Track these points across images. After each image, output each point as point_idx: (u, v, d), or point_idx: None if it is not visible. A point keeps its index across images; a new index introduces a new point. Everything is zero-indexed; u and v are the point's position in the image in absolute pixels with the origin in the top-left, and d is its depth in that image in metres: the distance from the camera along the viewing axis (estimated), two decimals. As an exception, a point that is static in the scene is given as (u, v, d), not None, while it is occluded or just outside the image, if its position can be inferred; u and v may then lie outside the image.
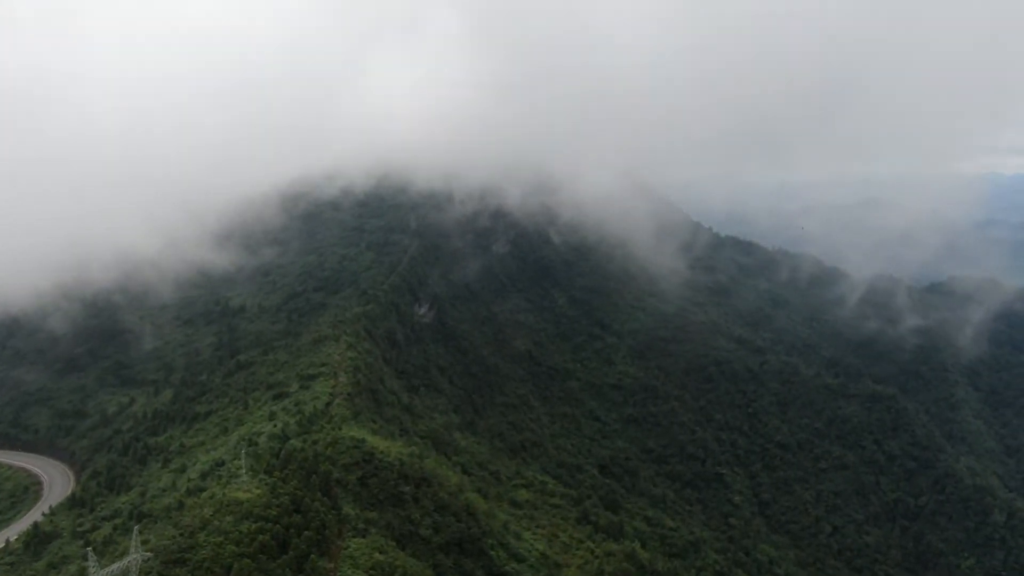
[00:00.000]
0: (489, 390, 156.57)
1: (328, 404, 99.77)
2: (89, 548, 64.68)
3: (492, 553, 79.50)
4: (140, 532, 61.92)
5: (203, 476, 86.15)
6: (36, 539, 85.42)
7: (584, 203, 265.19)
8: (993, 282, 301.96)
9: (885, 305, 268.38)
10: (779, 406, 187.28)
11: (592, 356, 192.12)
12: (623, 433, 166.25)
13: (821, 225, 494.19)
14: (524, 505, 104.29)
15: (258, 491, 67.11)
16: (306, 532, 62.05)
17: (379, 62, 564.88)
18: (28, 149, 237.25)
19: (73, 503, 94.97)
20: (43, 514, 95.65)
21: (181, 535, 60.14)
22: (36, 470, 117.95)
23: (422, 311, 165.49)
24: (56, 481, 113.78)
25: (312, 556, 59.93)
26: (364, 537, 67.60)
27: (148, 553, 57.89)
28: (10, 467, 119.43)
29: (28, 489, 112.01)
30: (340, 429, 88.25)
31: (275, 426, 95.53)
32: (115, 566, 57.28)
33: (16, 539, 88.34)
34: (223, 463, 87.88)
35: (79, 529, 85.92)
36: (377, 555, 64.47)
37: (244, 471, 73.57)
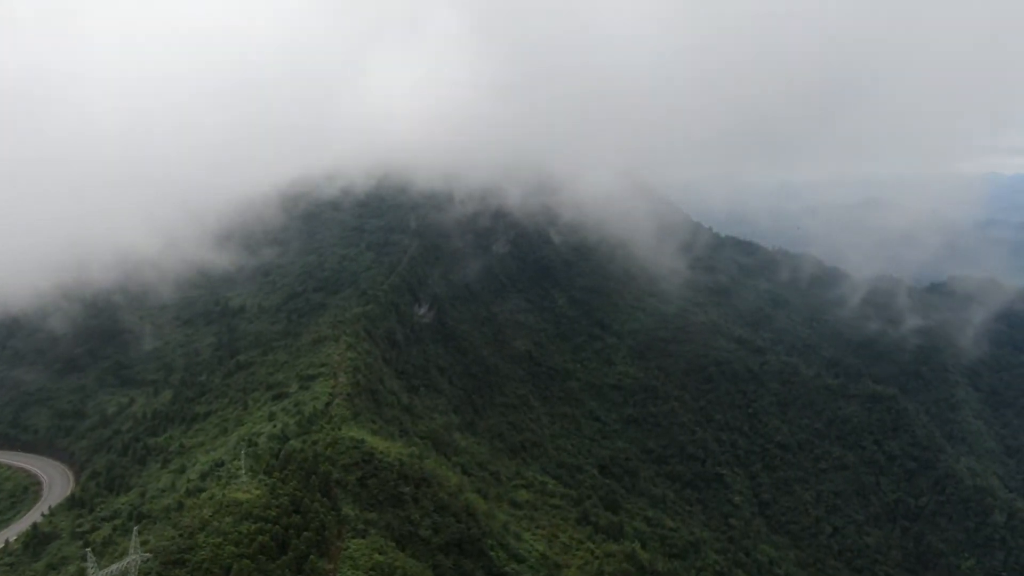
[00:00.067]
0: (489, 390, 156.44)
1: (328, 404, 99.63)
2: (88, 549, 64.56)
3: (492, 554, 79.37)
4: (139, 533, 61.80)
5: (202, 477, 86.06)
6: (35, 540, 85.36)
7: (584, 203, 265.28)
8: (993, 282, 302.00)
9: (885, 305, 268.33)
10: (779, 406, 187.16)
11: (592, 356, 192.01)
12: (623, 433, 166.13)
13: (822, 225, 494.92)
14: (524, 505, 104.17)
15: (257, 492, 67.01)
16: (305, 533, 61.95)
17: (379, 62, 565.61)
18: (28, 149, 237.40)
19: (72, 504, 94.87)
20: (42, 515, 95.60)
21: (180, 536, 60.02)
22: (35, 470, 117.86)
23: (422, 311, 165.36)
24: (55, 481, 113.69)
25: (312, 557, 59.82)
26: (364, 538, 67.48)
27: (147, 554, 57.76)
28: (9, 467, 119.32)
29: (27, 489, 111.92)
30: (340, 429, 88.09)
31: (275, 426, 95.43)
32: (114, 567, 57.11)
33: (15, 540, 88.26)
34: (222, 464, 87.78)
35: (78, 530, 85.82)
36: (377, 556, 64.36)
37: (243, 472, 73.47)
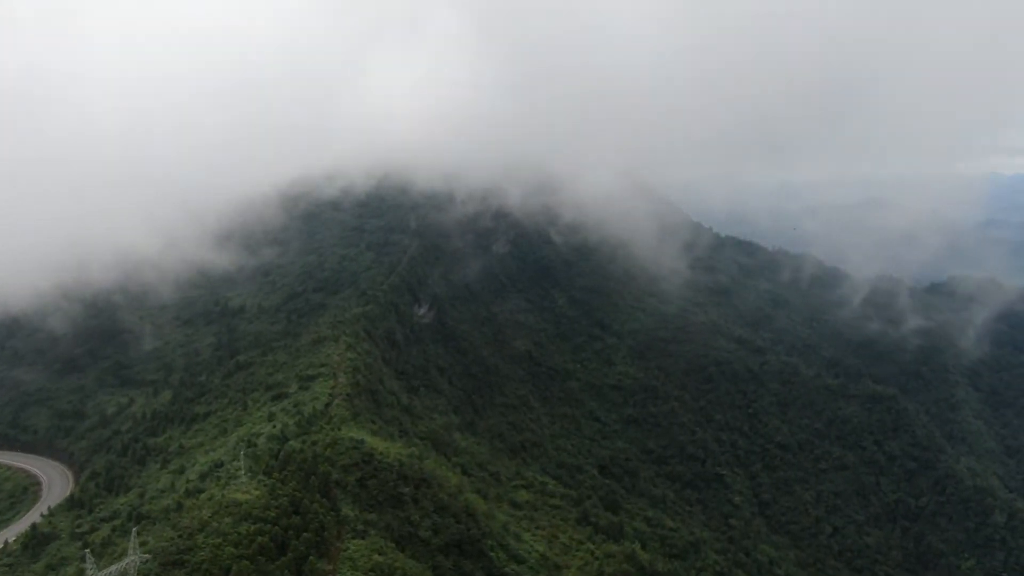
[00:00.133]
0: (489, 390, 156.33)
1: (327, 405, 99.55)
2: (87, 550, 64.57)
3: (492, 554, 79.28)
4: (139, 533, 61.74)
5: (202, 477, 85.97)
6: (34, 540, 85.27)
7: (584, 203, 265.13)
8: (994, 282, 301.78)
9: (886, 305, 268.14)
10: (779, 406, 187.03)
11: (592, 356, 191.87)
12: (623, 434, 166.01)
13: (822, 225, 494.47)
14: (524, 506, 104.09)
15: (257, 492, 66.92)
16: (305, 533, 61.86)
17: (379, 62, 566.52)
18: (28, 149, 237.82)
19: (72, 504, 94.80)
20: (41, 515, 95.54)
21: (180, 536, 59.95)
22: (35, 471, 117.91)
23: (422, 311, 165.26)
24: (55, 482, 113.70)
25: (311, 558, 59.74)
26: (363, 538, 67.39)
27: (146, 555, 57.70)
28: (9, 468, 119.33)
29: (27, 490, 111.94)
30: (339, 430, 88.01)
31: (274, 427, 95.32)
32: (113, 568, 57.05)
33: (14, 540, 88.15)
34: (222, 464, 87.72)
35: (77, 530, 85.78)
36: (376, 556, 64.27)
37: (243, 472, 73.43)
